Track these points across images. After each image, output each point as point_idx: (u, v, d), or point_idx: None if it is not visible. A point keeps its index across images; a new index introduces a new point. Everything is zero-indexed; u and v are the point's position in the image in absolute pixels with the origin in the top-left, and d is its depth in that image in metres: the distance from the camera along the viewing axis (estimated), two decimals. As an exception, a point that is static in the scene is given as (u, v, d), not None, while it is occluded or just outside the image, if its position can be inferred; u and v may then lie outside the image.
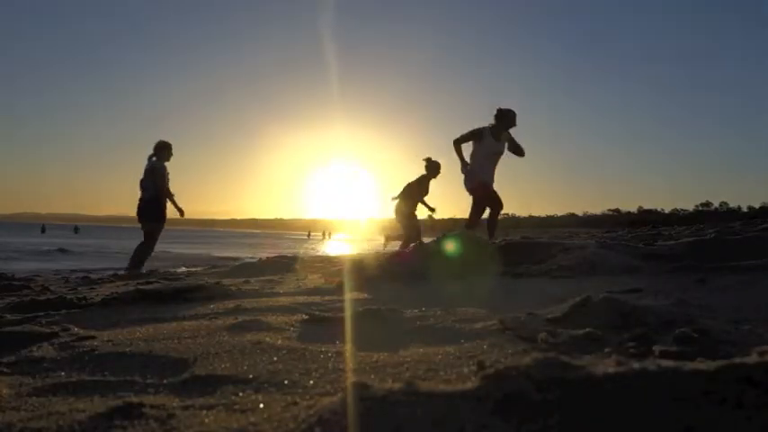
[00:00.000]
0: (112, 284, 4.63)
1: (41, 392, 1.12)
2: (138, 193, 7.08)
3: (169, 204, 7.16)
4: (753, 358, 0.64)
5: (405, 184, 8.24)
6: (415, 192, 8.15)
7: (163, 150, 7.13)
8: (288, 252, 8.04)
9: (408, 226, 8.12)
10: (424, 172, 8.20)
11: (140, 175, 7.10)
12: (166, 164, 7.14)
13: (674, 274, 2.75)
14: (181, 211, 7.36)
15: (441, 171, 8.18)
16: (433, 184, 8.26)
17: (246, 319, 1.91)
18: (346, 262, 4.50)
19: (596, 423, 0.61)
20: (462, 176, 6.69)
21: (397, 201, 8.18)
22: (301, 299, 2.67)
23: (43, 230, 47.17)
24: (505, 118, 6.59)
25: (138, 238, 7.17)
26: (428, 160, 8.18)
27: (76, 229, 51.37)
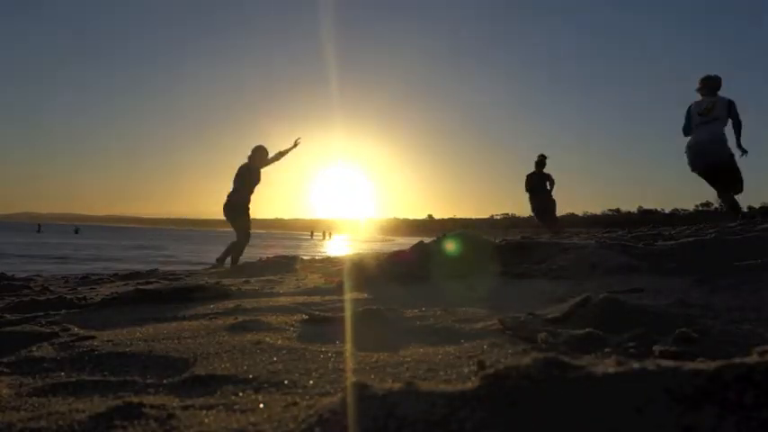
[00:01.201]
0: (112, 284, 4.63)
1: (41, 392, 1.12)
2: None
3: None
4: (753, 358, 0.64)
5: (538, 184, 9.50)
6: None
7: (253, 153, 7.22)
8: (288, 252, 8.04)
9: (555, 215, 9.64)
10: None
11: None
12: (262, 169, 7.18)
13: (673, 274, 2.75)
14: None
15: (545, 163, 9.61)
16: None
17: (246, 319, 1.91)
18: (346, 262, 4.50)
19: (596, 423, 0.61)
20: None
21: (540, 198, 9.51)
22: (301, 299, 2.67)
23: (39, 230, 47.02)
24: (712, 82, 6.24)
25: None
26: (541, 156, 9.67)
27: (77, 230, 50.90)
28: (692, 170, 6.25)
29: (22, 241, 23.09)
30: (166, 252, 19.66)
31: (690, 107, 6.35)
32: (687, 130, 6.40)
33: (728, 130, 6.25)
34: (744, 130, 6.21)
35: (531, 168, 9.93)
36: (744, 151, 6.14)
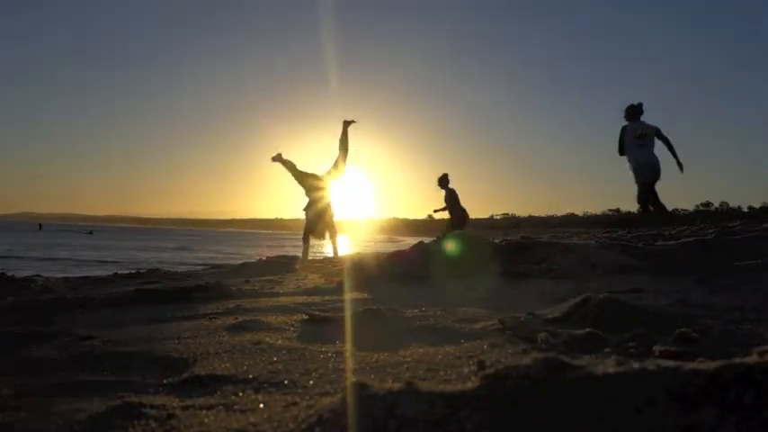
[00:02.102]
0: (112, 284, 4.63)
1: (41, 392, 1.12)
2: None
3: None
4: (753, 358, 0.64)
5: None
6: None
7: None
8: (288, 252, 8.05)
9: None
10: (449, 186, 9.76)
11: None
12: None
13: (674, 273, 2.75)
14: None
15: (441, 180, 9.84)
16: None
17: (246, 319, 1.91)
18: (346, 262, 4.50)
19: (596, 423, 0.61)
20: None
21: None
22: (301, 299, 2.67)
23: (40, 228, 46.62)
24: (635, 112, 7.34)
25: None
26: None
27: (91, 232, 49.38)
28: (642, 183, 7.28)
29: (48, 242, 22.76)
30: (165, 252, 19.61)
31: (624, 128, 7.33)
32: (622, 151, 7.46)
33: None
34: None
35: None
36: (682, 167, 7.21)
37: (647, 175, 7.19)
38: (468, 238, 4.12)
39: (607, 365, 0.67)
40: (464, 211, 9.98)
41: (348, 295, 2.70)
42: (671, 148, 7.15)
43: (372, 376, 1.15)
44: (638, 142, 7.21)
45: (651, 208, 7.40)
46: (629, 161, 7.31)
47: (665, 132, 7.24)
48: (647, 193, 7.29)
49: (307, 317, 1.94)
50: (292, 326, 1.83)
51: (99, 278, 5.68)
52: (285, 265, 5.47)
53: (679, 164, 7.11)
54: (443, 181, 9.92)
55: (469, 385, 0.70)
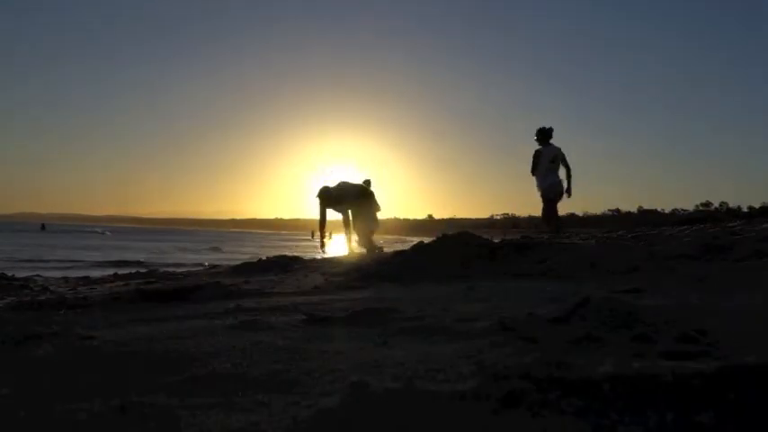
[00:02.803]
0: (112, 284, 4.63)
1: (42, 392, 1.12)
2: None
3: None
4: (753, 358, 0.64)
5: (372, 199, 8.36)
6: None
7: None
8: (288, 252, 8.04)
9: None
10: (371, 189, 8.35)
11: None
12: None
13: (674, 273, 2.75)
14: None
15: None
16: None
17: (246, 319, 1.91)
18: (346, 262, 4.51)
19: (597, 422, 0.61)
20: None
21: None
22: (301, 299, 2.67)
23: (43, 228, 46.31)
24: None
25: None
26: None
27: (103, 232, 47.87)
28: (547, 198, 8.05)
29: (66, 244, 22.41)
30: (164, 251, 19.59)
31: (540, 153, 8.01)
32: (535, 171, 8.13)
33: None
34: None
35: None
36: (570, 194, 8.10)
37: (555, 195, 8.04)
38: (469, 238, 4.12)
39: (607, 365, 0.67)
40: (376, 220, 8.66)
41: (348, 295, 2.70)
42: (569, 176, 8.02)
43: (372, 376, 1.15)
44: (551, 166, 8.03)
45: (551, 222, 8.28)
46: (541, 182, 8.05)
47: (567, 157, 8.09)
48: (552, 210, 8.15)
49: (307, 317, 1.94)
50: (292, 326, 1.83)
51: (98, 278, 5.68)
52: (285, 265, 5.47)
53: (568, 190, 8.00)
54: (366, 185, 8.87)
55: (469, 385, 0.70)
